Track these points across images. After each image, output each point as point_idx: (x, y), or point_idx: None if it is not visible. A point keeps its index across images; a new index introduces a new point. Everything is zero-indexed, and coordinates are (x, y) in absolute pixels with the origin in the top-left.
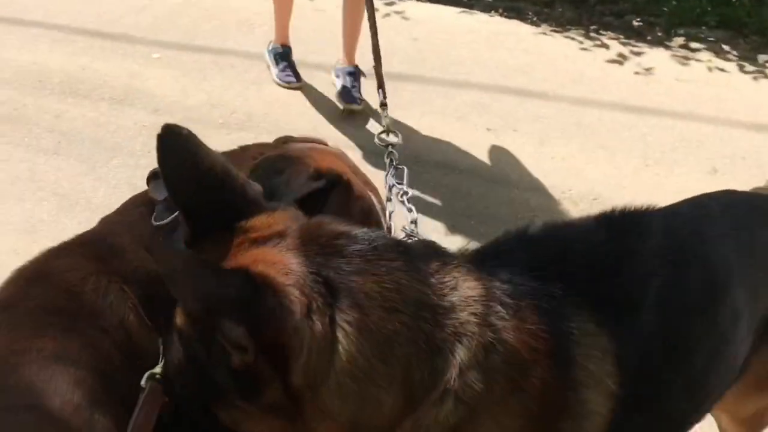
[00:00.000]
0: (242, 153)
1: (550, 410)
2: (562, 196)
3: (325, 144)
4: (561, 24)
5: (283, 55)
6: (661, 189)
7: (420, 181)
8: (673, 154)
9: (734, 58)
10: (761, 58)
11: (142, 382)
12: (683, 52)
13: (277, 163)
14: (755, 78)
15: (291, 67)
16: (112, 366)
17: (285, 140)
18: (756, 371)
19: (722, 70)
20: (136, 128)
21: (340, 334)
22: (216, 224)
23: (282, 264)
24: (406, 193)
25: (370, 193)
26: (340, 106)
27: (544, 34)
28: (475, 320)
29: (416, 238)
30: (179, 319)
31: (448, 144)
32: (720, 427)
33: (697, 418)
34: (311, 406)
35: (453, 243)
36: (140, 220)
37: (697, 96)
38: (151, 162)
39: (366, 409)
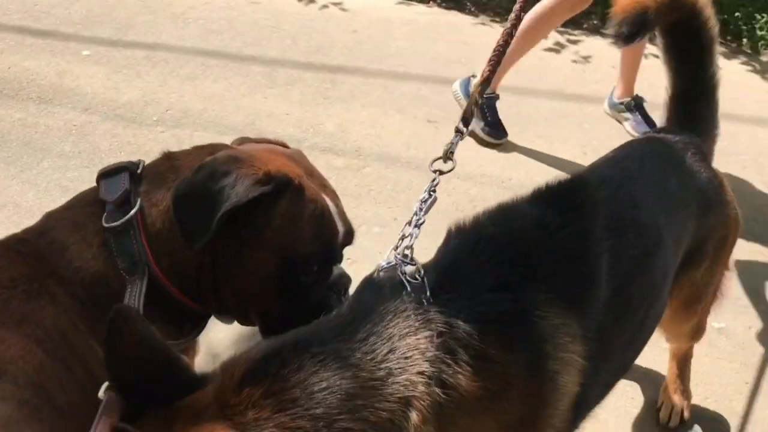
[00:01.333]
0: (196, 152)
1: (531, 409)
2: (502, 185)
3: (285, 145)
4: (499, 14)
5: (638, 106)
6: None
7: (361, 174)
8: (610, 142)
9: None
10: None
11: (100, 394)
12: None
13: (224, 164)
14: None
15: (646, 116)
16: (45, 376)
17: (241, 141)
18: (682, 296)
19: (655, 56)
20: (66, 128)
21: None
22: (152, 401)
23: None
24: (422, 223)
25: (325, 197)
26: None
27: (483, 24)
28: (422, 379)
29: (408, 263)
30: None
31: (389, 136)
32: (669, 343)
33: (639, 353)
34: None
35: (396, 238)
36: (88, 220)
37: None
38: (83, 162)
39: None
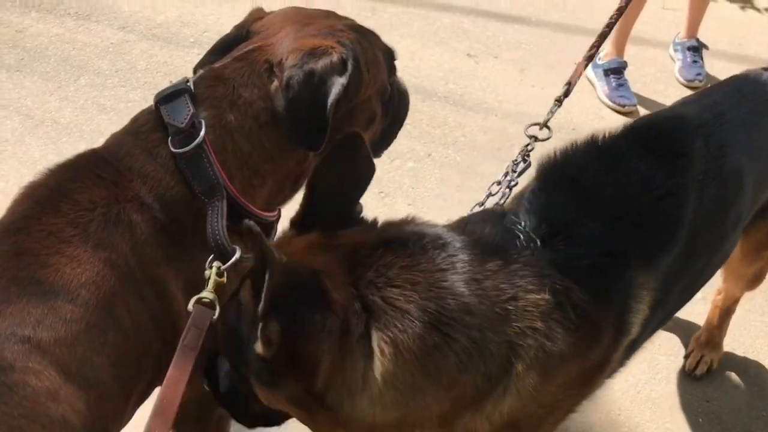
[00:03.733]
0: (234, 63)
1: (606, 356)
2: None
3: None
4: None
5: (694, 49)
6: None
7: None
8: (656, 86)
9: None
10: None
11: (190, 306)
12: None
13: (304, 66)
14: (742, 7)
15: (696, 62)
16: (115, 301)
17: (259, 15)
18: (755, 239)
19: (715, 0)
20: (103, 46)
21: (376, 353)
22: (320, 222)
23: (337, 278)
24: (515, 184)
25: (363, 28)
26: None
27: None
28: (532, 334)
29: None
30: (246, 293)
31: (427, 69)
32: (725, 285)
33: (691, 299)
34: (340, 410)
35: (429, 174)
36: (160, 148)
37: (681, 24)
38: (120, 81)
39: (409, 412)
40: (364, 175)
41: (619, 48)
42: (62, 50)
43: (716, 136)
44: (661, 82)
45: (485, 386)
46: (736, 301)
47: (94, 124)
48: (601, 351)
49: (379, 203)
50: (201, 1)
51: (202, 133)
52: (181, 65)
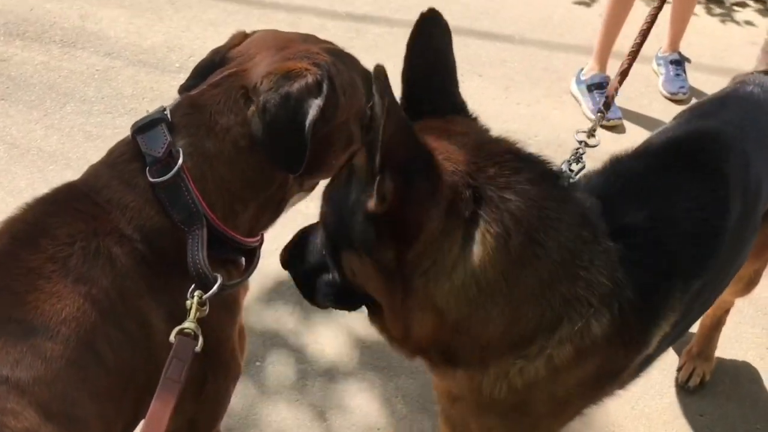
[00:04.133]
0: (210, 90)
1: (623, 364)
2: (528, 142)
3: (246, 34)
4: None
5: (677, 63)
6: (628, 136)
7: None
8: (640, 100)
9: (703, 0)
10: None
11: (171, 338)
12: None
13: (280, 89)
14: (722, 21)
15: (679, 75)
16: (96, 336)
17: (240, 40)
18: (760, 240)
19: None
20: (89, 72)
21: (477, 240)
22: (424, 111)
23: (454, 161)
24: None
25: (343, 51)
26: (666, 94)
27: None
28: (588, 307)
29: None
30: (360, 157)
31: None
32: None
33: (707, 309)
34: (421, 292)
35: None
36: (137, 177)
37: (663, 39)
38: (106, 108)
39: (474, 318)
40: (448, 51)
41: (602, 63)
42: (47, 78)
43: (742, 149)
44: (646, 96)
45: (534, 327)
46: (726, 311)
47: (80, 151)
48: (622, 356)
49: None
50: (187, 26)
51: (180, 161)
52: (167, 90)
